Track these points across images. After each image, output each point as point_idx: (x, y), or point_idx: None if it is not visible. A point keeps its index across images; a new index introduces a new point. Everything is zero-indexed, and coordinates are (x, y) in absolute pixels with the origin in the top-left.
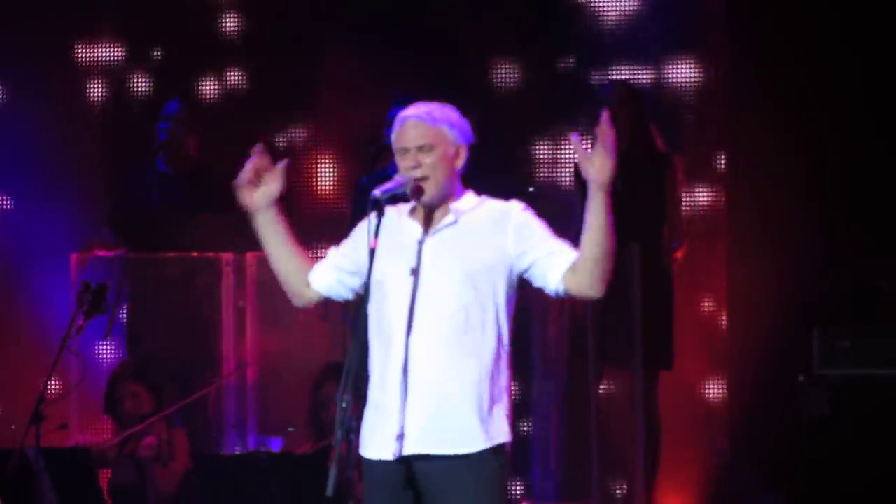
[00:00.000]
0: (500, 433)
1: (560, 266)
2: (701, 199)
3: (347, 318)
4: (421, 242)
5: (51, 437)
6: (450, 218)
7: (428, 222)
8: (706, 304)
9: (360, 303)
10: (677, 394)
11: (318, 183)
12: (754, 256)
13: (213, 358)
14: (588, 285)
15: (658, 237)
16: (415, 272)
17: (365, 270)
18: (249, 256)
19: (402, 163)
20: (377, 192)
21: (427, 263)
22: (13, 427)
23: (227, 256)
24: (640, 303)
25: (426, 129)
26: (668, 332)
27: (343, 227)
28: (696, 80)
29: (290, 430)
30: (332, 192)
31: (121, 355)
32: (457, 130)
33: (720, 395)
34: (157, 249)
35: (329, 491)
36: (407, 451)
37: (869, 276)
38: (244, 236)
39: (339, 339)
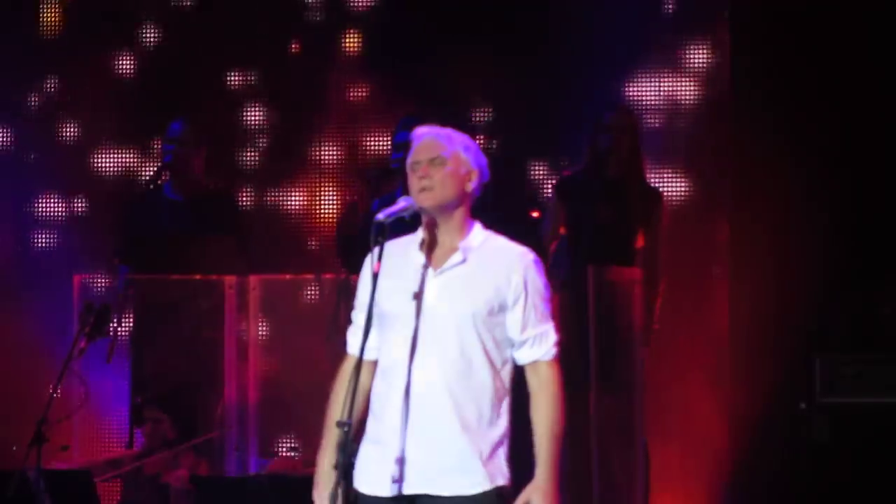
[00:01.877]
0: (500, 476)
1: (531, 356)
2: (703, 228)
3: (329, 340)
4: (425, 276)
5: (52, 458)
6: (458, 256)
7: (436, 257)
8: (708, 331)
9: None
10: (679, 421)
11: (321, 208)
12: (756, 284)
13: (215, 380)
14: None
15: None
16: (420, 298)
17: (379, 301)
18: (252, 279)
19: (413, 177)
20: (381, 216)
21: (433, 302)
22: (15, 449)
23: (229, 279)
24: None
25: (440, 145)
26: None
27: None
28: (700, 107)
29: (293, 455)
30: (334, 218)
31: (124, 377)
32: (471, 155)
33: (723, 422)
34: (161, 272)
35: None
36: (407, 490)
37: (871, 303)
38: (247, 259)
39: (341, 362)
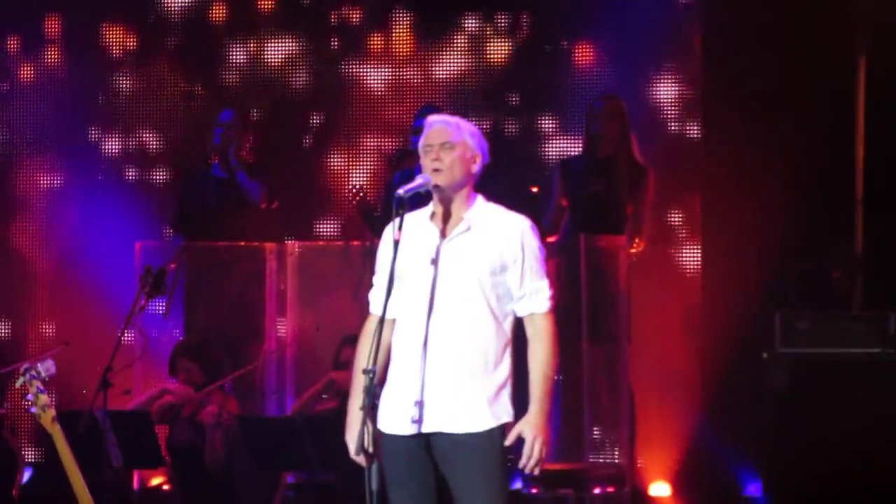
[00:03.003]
0: (505, 413)
1: (528, 308)
2: (679, 202)
3: (355, 298)
4: (439, 245)
5: (117, 401)
6: (463, 226)
7: (445, 228)
8: (685, 291)
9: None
10: (658, 369)
11: (345, 182)
12: (725, 251)
13: (257, 333)
14: None
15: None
16: (434, 262)
17: (397, 267)
18: (290, 245)
19: (426, 159)
20: (401, 191)
21: (444, 265)
22: (84, 392)
23: (270, 245)
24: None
25: (450, 132)
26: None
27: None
28: (675, 94)
29: (324, 397)
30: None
31: (178, 330)
32: (476, 141)
33: (696, 369)
34: (209, 240)
35: (353, 450)
36: (424, 429)
37: (823, 268)
38: (285, 228)
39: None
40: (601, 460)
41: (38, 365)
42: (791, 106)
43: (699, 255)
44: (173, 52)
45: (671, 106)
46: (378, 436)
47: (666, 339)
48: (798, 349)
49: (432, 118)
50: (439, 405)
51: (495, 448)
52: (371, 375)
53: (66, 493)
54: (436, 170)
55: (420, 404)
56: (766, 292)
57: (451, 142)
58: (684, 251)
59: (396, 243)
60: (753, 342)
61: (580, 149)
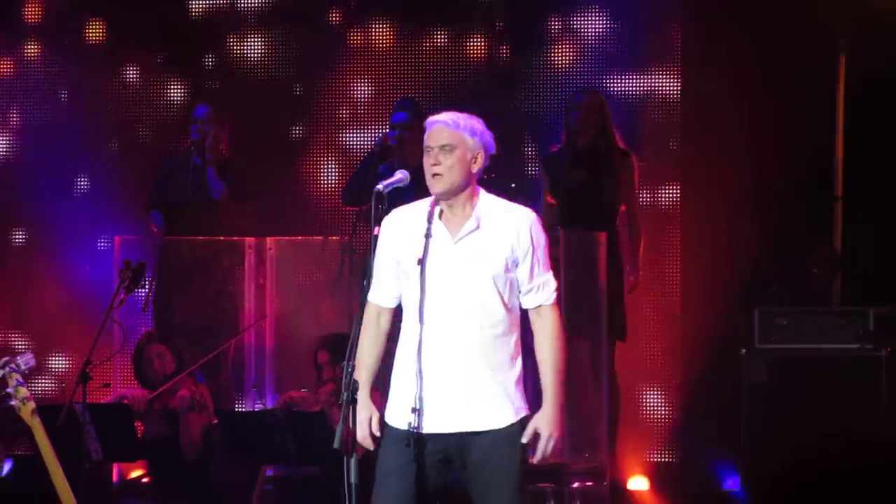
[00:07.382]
0: (523, 408)
1: (535, 301)
2: (658, 198)
3: (333, 293)
4: (450, 244)
5: (96, 394)
6: (472, 223)
7: (452, 225)
8: (664, 288)
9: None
10: (638, 365)
11: (324, 178)
12: (705, 246)
13: (236, 328)
14: None
15: (613, 225)
16: (447, 262)
17: (404, 262)
18: (269, 240)
19: (426, 160)
20: (380, 186)
21: (457, 264)
22: (63, 385)
23: (249, 240)
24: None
25: (449, 133)
26: (622, 309)
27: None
28: (654, 88)
29: (304, 390)
30: (335, 186)
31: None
32: (477, 138)
33: (677, 365)
34: (190, 234)
35: (336, 444)
36: (448, 429)
37: (801, 265)
38: (265, 222)
39: (345, 312)
40: (580, 455)
41: (18, 358)
42: (771, 102)
43: (678, 251)
44: (151, 46)
45: (650, 100)
46: (375, 425)
47: (645, 335)
48: (777, 345)
49: (433, 118)
50: (461, 405)
51: (517, 443)
52: (350, 370)
53: (45, 486)
54: (435, 174)
55: (440, 403)
56: (745, 289)
57: (450, 144)
58: (663, 247)
59: (375, 238)
60: (732, 338)
61: (560, 143)
